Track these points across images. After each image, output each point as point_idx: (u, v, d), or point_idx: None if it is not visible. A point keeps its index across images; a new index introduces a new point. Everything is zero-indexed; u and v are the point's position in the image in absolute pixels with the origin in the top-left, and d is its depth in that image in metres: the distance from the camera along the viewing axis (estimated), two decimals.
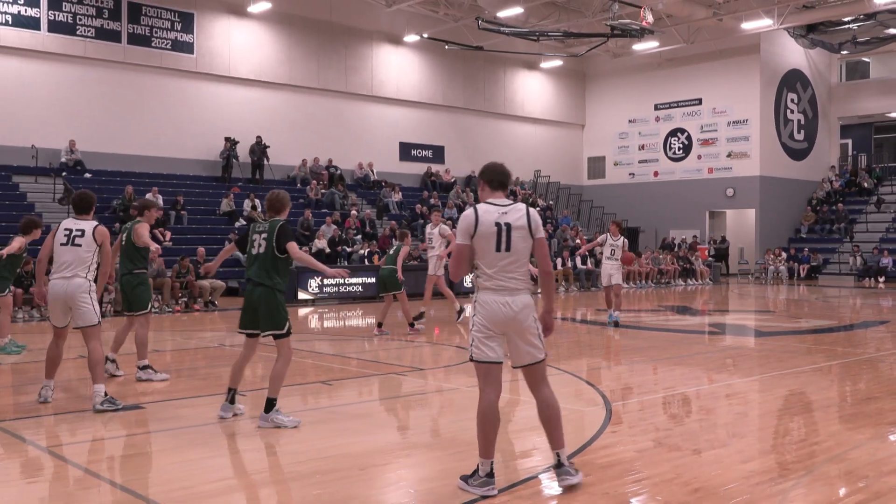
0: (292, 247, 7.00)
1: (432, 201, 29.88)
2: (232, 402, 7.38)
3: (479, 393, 5.39)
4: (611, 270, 15.12)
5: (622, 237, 15.19)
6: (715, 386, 9.41)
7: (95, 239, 7.93)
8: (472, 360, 5.40)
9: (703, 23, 31.26)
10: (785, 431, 7.18)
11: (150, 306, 9.71)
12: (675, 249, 32.45)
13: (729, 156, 35.30)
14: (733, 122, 35.12)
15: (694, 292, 26.74)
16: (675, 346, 12.89)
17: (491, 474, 5.17)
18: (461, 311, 14.97)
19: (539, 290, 5.63)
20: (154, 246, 9.69)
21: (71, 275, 7.78)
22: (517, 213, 5.22)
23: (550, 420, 5.37)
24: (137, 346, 9.53)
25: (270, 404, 7.05)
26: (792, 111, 36.19)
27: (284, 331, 7.07)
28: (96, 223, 8.07)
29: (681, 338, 14.29)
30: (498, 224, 5.16)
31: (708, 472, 5.64)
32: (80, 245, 7.87)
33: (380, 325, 13.70)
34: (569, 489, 5.21)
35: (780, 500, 5.10)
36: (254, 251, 7.07)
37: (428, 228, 15.69)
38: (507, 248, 5.16)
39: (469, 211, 5.26)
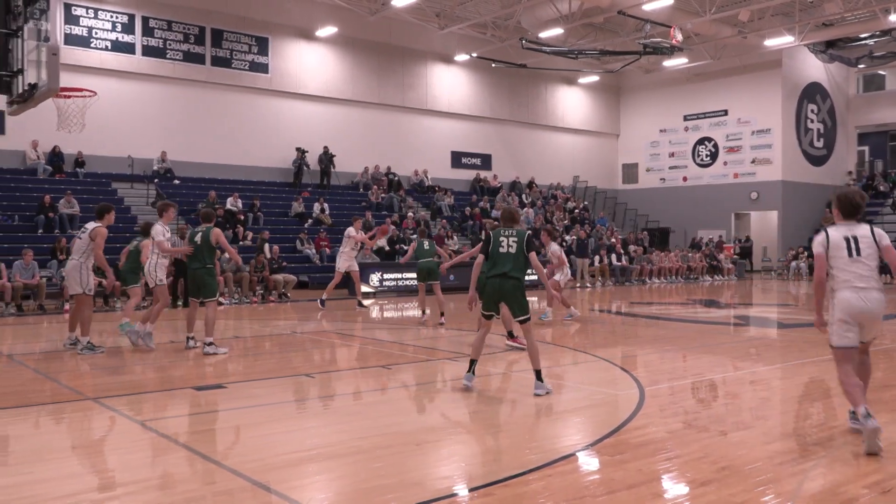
0: (532, 256, 7.63)
1: (481, 204, 29.84)
2: (472, 370, 7.71)
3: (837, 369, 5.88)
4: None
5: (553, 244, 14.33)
6: (740, 373, 9.24)
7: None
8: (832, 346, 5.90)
9: (728, 40, 30.72)
10: (806, 415, 7.01)
11: (217, 294, 10.54)
12: (703, 248, 31.94)
13: (753, 162, 34.64)
14: (757, 132, 34.45)
15: (720, 287, 26.27)
16: (702, 337, 12.68)
17: (867, 415, 5.41)
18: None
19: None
20: (230, 250, 10.75)
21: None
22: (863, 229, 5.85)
23: (863, 378, 5.96)
24: (206, 325, 10.11)
25: (538, 374, 7.53)
26: (812, 121, 35.37)
27: (527, 316, 7.55)
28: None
29: (708, 329, 14.06)
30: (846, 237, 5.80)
31: (734, 452, 5.52)
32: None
33: (442, 314, 13.82)
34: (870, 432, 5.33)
35: (802, 479, 4.98)
36: (501, 250, 7.58)
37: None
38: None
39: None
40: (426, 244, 14.20)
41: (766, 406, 7.47)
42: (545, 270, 14.38)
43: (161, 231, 10.49)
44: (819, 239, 5.88)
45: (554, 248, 13.97)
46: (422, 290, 14.35)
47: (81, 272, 10.17)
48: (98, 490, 4.79)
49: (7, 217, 20.44)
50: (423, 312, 14.32)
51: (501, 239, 7.66)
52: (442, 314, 13.78)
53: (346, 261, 16.24)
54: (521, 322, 7.62)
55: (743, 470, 5.09)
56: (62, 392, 7.79)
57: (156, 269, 10.66)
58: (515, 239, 7.61)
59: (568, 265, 14.43)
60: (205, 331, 10.12)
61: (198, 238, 10.22)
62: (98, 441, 6.12)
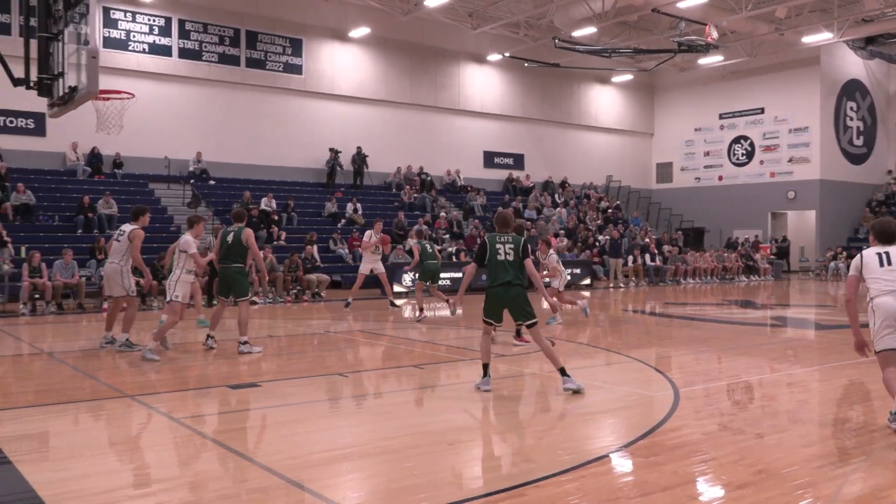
0: (528, 263, 7.62)
1: (514, 204, 29.78)
2: (487, 374, 7.74)
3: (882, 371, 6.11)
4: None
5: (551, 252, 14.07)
6: (777, 375, 9.10)
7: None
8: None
9: (765, 37, 30.27)
10: (845, 419, 6.88)
11: (249, 293, 10.52)
12: (739, 248, 31.54)
13: (790, 161, 34.12)
14: (794, 130, 33.93)
15: (756, 288, 25.92)
16: (738, 338, 12.52)
17: None
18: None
19: None
20: (257, 252, 10.53)
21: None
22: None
23: None
24: (240, 324, 10.13)
25: (563, 371, 7.51)
26: (851, 118, 34.74)
27: (535, 320, 7.59)
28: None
29: (744, 330, 13.87)
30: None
31: (771, 455, 5.44)
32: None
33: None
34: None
35: (841, 483, 4.89)
36: (499, 258, 7.55)
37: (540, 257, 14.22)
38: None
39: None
40: (429, 247, 14.75)
41: (803, 409, 7.34)
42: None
43: (192, 243, 10.16)
44: (854, 262, 6.41)
45: (553, 257, 13.85)
46: (420, 289, 14.97)
47: (122, 275, 10.34)
48: (135, 486, 4.86)
49: (48, 217, 20.84)
50: (422, 310, 14.74)
51: (498, 246, 7.60)
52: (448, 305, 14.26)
53: (366, 263, 16.75)
54: (530, 327, 7.63)
55: (780, 473, 5.01)
56: (101, 389, 7.92)
57: (177, 283, 10.04)
58: (512, 246, 7.58)
59: (564, 273, 14.28)
60: (239, 330, 10.18)
61: (229, 238, 10.27)
62: (135, 438, 6.21)
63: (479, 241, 7.93)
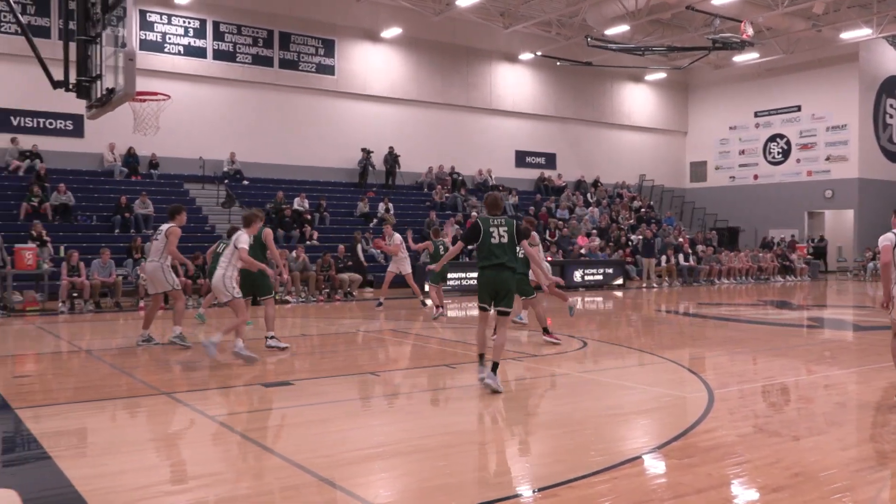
0: (525, 245, 7.74)
1: (546, 204, 29.68)
2: (483, 364, 7.80)
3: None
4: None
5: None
6: (814, 377, 8.96)
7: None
8: None
9: (802, 34, 29.83)
10: (884, 422, 6.75)
11: (272, 291, 10.66)
12: (774, 248, 31.10)
13: (827, 159, 33.56)
14: (832, 128, 33.37)
15: (792, 288, 25.54)
16: (774, 339, 12.34)
17: None
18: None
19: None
20: (276, 253, 11.00)
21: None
22: None
23: None
24: (266, 320, 10.37)
25: (495, 367, 7.55)
26: (891, 116, 34.06)
27: (511, 309, 7.67)
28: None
29: (780, 331, 13.68)
30: None
31: (807, 457, 5.36)
32: None
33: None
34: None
35: (881, 487, 4.80)
36: (493, 241, 7.50)
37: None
38: None
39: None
40: (441, 248, 14.90)
41: (840, 411, 7.22)
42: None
43: (246, 240, 10.00)
44: (889, 236, 7.34)
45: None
46: (434, 289, 15.24)
47: (164, 272, 10.54)
48: (170, 482, 4.92)
49: (86, 217, 21.21)
50: (438, 307, 14.96)
51: (492, 228, 7.54)
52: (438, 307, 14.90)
53: (393, 263, 17.08)
54: (501, 314, 7.56)
55: (817, 476, 4.93)
56: (137, 386, 8.04)
57: (230, 280, 9.93)
58: (506, 228, 7.54)
59: (546, 267, 14.29)
60: (266, 325, 10.41)
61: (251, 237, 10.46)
62: (171, 435, 6.30)
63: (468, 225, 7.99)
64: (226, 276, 10.22)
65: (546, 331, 10.91)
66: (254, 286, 10.50)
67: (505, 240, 7.52)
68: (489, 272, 7.52)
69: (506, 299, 7.54)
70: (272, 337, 10.37)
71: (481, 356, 7.82)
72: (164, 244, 10.51)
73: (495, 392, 7.39)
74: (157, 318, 11.48)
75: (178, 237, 10.51)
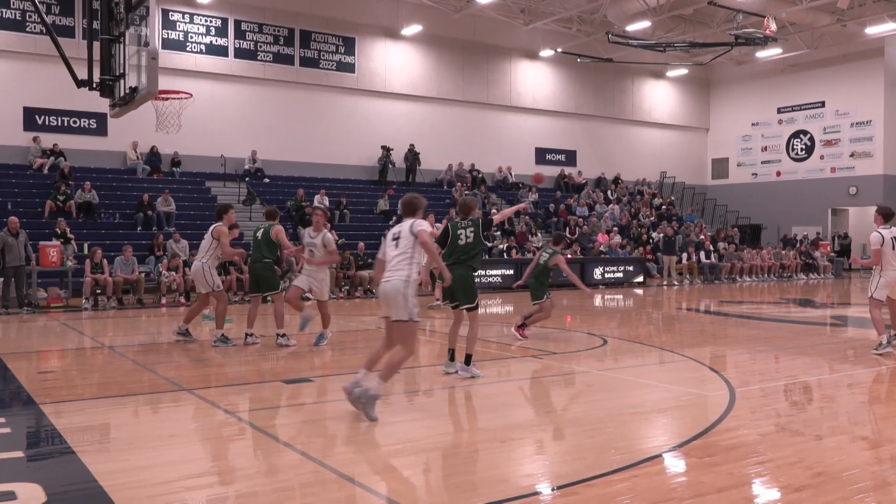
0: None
1: (567, 201, 29.58)
2: (452, 359, 8.29)
3: None
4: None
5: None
6: (836, 375, 8.86)
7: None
8: None
9: (826, 29, 29.49)
10: None
11: (279, 287, 10.86)
12: (797, 245, 30.80)
13: (852, 156, 33.18)
14: (857, 124, 32.98)
15: (815, 286, 25.28)
16: (796, 337, 12.23)
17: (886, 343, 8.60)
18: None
19: None
20: (291, 247, 11.00)
21: None
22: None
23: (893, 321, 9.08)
24: (276, 317, 10.55)
25: (468, 359, 8.05)
26: None
27: (474, 304, 8.09)
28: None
29: (803, 329, 13.55)
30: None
31: (830, 457, 5.31)
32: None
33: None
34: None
35: None
36: (460, 242, 8.07)
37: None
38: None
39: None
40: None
41: (864, 411, 7.14)
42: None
43: (225, 231, 10.61)
44: (878, 237, 9.81)
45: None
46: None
47: (205, 273, 10.64)
48: (192, 478, 4.96)
49: (109, 215, 21.42)
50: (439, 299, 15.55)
51: (459, 232, 8.12)
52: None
53: None
54: (469, 310, 8.04)
55: (840, 476, 4.88)
56: (159, 382, 8.12)
57: (209, 271, 10.65)
58: (472, 229, 8.06)
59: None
60: (276, 323, 10.57)
61: (259, 234, 10.68)
62: (192, 430, 6.34)
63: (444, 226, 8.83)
64: (204, 267, 10.37)
65: (522, 326, 11.25)
66: (259, 282, 10.61)
67: (471, 239, 8.06)
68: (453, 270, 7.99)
69: (461, 296, 8.04)
70: (283, 335, 10.48)
71: (451, 351, 8.26)
72: (209, 244, 10.62)
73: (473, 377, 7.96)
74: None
75: (226, 236, 10.56)
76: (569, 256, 21.53)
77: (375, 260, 6.77)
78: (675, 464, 5.26)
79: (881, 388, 8.21)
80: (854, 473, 4.95)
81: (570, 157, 33.56)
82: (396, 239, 6.55)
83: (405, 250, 6.43)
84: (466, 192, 28.19)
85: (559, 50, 31.25)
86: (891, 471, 5.04)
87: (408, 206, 6.70)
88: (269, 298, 11.21)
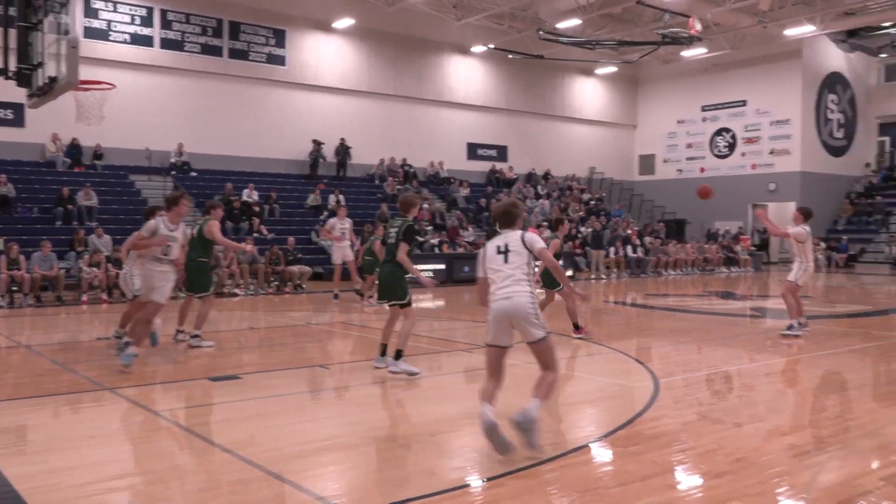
0: (402, 247, 8.12)
1: (497, 196, 29.79)
2: (383, 354, 8.35)
3: None
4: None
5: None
6: (755, 365, 9.18)
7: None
8: None
9: (748, 30, 30.41)
10: (821, 408, 6.96)
11: (211, 289, 10.43)
12: (720, 239, 31.73)
13: (771, 153, 34.33)
14: (776, 122, 34.13)
15: (737, 279, 26.11)
16: (718, 328, 12.62)
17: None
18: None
19: None
20: (225, 242, 10.59)
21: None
22: None
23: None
24: (197, 317, 9.99)
25: (399, 354, 8.05)
26: (832, 111, 34.98)
27: (405, 301, 8.17)
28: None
29: (724, 320, 13.98)
30: None
31: (748, 444, 5.50)
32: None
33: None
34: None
35: (817, 471, 4.95)
36: (390, 240, 8.28)
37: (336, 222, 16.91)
38: None
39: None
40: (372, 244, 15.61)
41: (781, 398, 7.42)
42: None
43: (150, 227, 10.17)
44: (808, 230, 11.39)
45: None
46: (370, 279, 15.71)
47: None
48: (113, 479, 4.83)
49: (26, 209, 20.63)
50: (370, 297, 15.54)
51: (390, 230, 8.37)
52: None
53: (336, 252, 17.14)
54: (402, 307, 8.19)
55: (758, 462, 5.06)
56: (79, 382, 7.86)
57: (129, 278, 10.06)
58: (396, 230, 8.24)
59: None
60: (195, 322, 9.94)
61: (194, 231, 10.20)
62: (114, 431, 6.17)
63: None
64: (127, 273, 9.99)
65: (577, 327, 10.93)
66: (192, 283, 10.20)
67: (392, 239, 8.21)
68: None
69: (391, 294, 8.19)
70: (196, 335, 9.89)
71: (383, 346, 8.36)
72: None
73: (412, 375, 7.90)
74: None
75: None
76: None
77: (478, 279, 5.85)
78: (601, 453, 5.37)
79: (796, 377, 8.54)
80: (771, 459, 5.13)
81: (502, 153, 33.81)
82: (503, 253, 5.67)
83: (520, 265, 5.68)
84: (399, 186, 28.15)
85: (491, 46, 31.43)
86: (805, 456, 5.25)
87: (506, 217, 5.86)
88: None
